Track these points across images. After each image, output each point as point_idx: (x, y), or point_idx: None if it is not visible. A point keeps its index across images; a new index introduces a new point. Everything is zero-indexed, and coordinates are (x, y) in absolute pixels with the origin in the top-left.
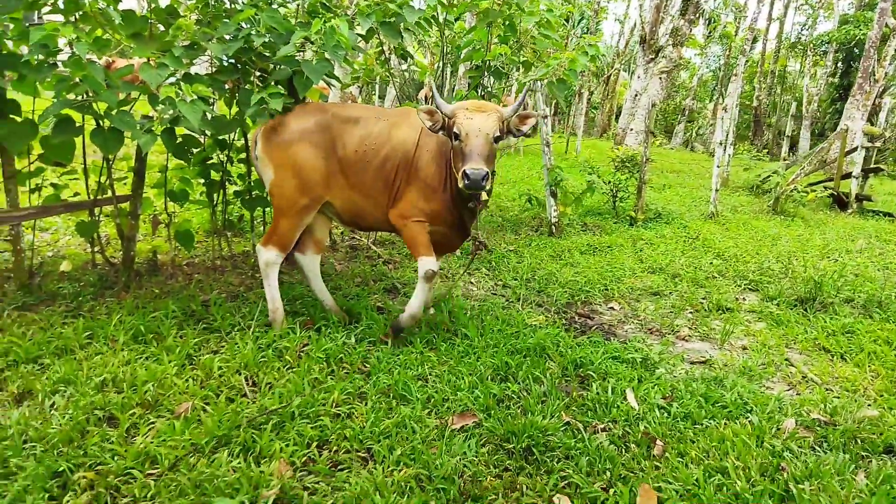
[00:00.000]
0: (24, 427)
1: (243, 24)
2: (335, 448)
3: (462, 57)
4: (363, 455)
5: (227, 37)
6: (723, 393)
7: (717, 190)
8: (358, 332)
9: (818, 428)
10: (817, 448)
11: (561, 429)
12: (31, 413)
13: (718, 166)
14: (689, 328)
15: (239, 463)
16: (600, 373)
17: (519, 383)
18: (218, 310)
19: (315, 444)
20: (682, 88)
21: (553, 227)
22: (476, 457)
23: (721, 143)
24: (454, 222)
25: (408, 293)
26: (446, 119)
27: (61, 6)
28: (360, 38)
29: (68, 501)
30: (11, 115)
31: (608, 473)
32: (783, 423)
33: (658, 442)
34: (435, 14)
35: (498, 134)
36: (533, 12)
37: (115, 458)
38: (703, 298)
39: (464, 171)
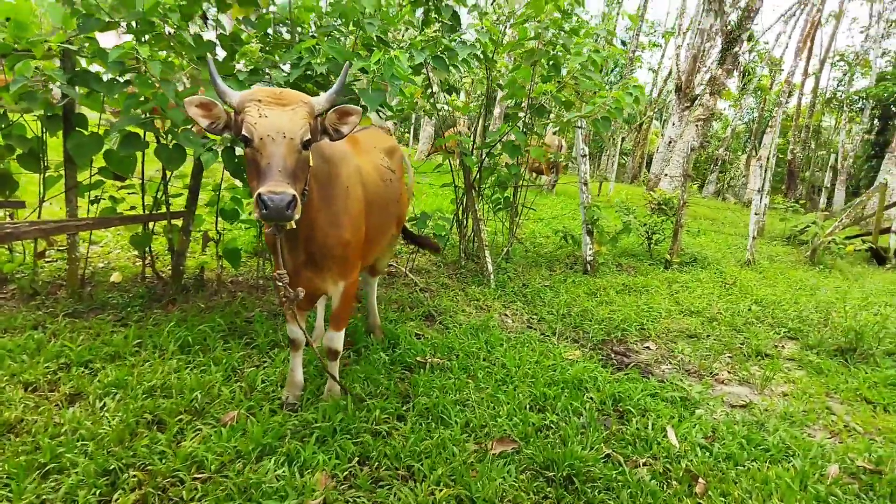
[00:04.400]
0: (76, 426)
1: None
2: (376, 465)
3: (503, 95)
4: (403, 473)
5: (285, 64)
6: (764, 436)
7: (754, 237)
8: (396, 355)
9: (863, 476)
10: (863, 496)
11: (601, 460)
12: (84, 413)
13: (756, 213)
14: (728, 372)
15: (283, 472)
16: (639, 409)
17: (557, 414)
18: (260, 326)
19: (356, 459)
20: (715, 139)
21: (588, 265)
22: (516, 482)
23: (759, 191)
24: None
25: (444, 321)
26: (233, 114)
27: (135, 27)
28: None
29: (118, 499)
30: (79, 129)
31: None
32: (827, 469)
33: (700, 480)
34: (484, 51)
35: (308, 137)
36: (579, 53)
37: (163, 460)
38: (742, 344)
39: (258, 195)
